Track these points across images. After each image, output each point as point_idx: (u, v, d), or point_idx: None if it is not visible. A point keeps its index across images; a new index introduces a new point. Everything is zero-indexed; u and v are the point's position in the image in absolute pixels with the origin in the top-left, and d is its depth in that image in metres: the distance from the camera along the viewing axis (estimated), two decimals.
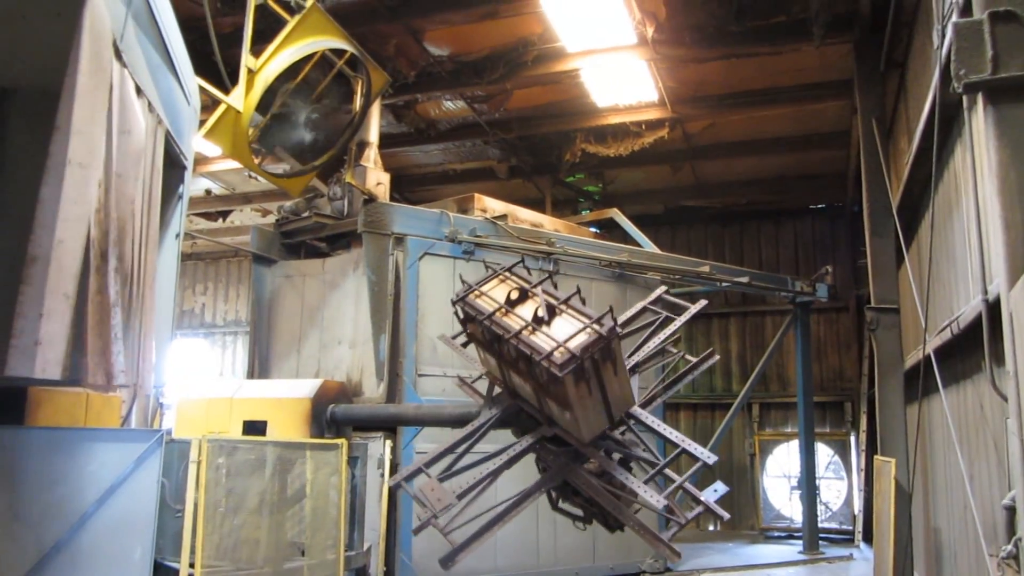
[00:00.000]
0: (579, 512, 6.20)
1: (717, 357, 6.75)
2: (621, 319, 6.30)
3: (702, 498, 5.30)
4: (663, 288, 7.13)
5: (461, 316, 5.63)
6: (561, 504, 6.21)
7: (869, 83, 11.37)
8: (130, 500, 5.00)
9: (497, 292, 5.49)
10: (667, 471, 5.61)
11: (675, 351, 6.59)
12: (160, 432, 5.43)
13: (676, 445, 5.55)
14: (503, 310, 5.25)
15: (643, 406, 5.95)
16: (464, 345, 6.20)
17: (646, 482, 5.29)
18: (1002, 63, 4.62)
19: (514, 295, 5.32)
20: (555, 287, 5.53)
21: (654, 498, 5.22)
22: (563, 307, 5.20)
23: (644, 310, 6.61)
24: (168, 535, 7.29)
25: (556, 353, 4.84)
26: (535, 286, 5.40)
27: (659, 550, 5.57)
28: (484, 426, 5.75)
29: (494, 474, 5.61)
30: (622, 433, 5.81)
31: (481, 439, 5.84)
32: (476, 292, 5.48)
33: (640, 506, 5.72)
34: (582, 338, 4.91)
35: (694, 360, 6.40)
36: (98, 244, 3.85)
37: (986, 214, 5.57)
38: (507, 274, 5.63)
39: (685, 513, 5.29)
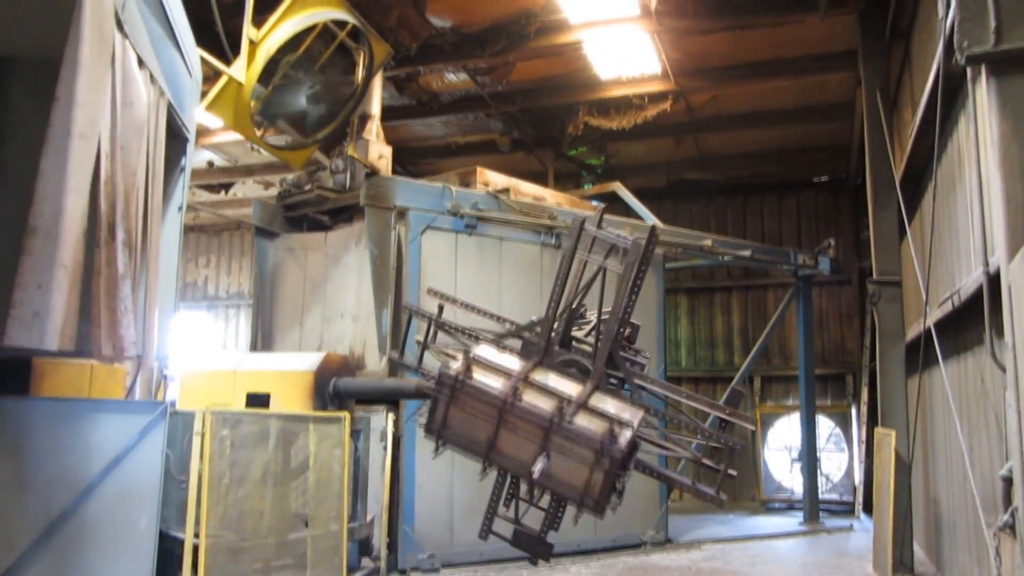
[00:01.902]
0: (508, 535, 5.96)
1: (661, 227, 6.12)
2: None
3: (724, 414, 5.24)
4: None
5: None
6: (492, 531, 5.94)
7: (873, 54, 11.29)
8: (135, 471, 5.04)
9: (463, 410, 5.25)
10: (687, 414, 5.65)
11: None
12: (164, 403, 5.46)
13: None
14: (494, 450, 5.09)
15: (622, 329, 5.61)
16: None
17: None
18: (1005, 35, 4.60)
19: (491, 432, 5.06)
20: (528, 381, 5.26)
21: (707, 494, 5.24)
22: (556, 428, 4.98)
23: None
24: (173, 506, 7.37)
25: (590, 502, 4.84)
26: (510, 403, 5.06)
27: (712, 501, 5.46)
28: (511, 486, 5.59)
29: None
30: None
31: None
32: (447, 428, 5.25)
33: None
34: (607, 483, 4.85)
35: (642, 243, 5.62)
36: (106, 217, 3.85)
37: (988, 187, 5.56)
38: (465, 376, 5.28)
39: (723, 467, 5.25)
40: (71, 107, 3.51)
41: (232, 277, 23.23)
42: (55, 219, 3.44)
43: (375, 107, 12.02)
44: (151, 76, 4.74)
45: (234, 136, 14.66)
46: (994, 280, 5.49)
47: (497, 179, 12.62)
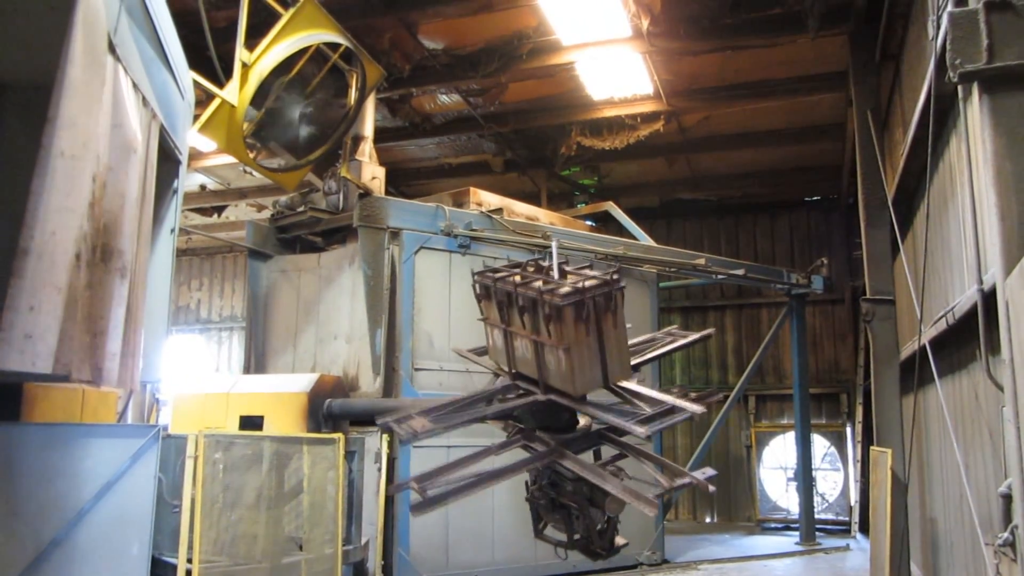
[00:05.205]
0: (562, 538, 6.15)
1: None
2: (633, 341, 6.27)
3: (690, 474, 5.31)
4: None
5: (478, 291, 5.73)
6: (544, 532, 6.16)
7: (864, 75, 11.36)
8: (127, 496, 4.99)
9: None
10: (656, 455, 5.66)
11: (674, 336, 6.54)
12: (156, 427, 5.42)
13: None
14: (520, 278, 5.39)
15: (635, 368, 5.93)
16: (479, 353, 6.22)
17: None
18: (997, 52, 4.63)
19: (530, 268, 5.46)
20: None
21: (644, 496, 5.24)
22: (574, 271, 5.32)
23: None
24: (166, 531, 7.29)
25: (560, 289, 4.99)
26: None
27: (642, 505, 5.50)
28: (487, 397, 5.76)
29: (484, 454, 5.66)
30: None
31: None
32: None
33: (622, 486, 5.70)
34: (587, 283, 5.08)
35: (693, 337, 6.37)
36: (90, 238, 3.83)
37: (981, 204, 5.58)
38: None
39: (675, 481, 5.29)
40: (63, 128, 3.50)
41: (225, 300, 23.16)
42: (47, 240, 3.41)
43: (368, 128, 12.04)
44: (143, 98, 4.73)
45: (227, 159, 14.66)
46: (988, 297, 5.49)
47: (490, 199, 12.63)
